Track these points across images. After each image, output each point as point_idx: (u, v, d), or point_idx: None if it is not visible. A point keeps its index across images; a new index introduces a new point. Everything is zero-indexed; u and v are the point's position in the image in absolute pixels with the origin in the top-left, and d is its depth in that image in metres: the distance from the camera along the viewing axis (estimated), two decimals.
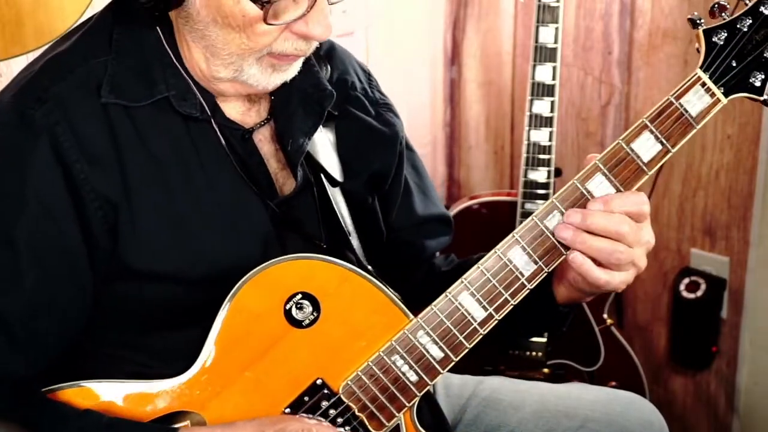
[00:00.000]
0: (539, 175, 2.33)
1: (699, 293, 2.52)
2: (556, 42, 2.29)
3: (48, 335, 1.27)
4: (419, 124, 2.74)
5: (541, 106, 2.32)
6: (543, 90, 2.31)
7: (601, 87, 2.61)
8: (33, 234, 1.23)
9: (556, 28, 2.29)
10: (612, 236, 1.25)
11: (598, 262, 1.27)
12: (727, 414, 2.58)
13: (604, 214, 1.25)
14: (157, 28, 1.29)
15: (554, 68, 2.30)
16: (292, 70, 1.30)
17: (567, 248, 1.27)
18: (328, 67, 1.44)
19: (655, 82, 2.50)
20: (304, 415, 1.28)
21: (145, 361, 1.30)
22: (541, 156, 2.32)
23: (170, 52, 1.29)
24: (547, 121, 2.32)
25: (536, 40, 2.30)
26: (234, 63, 1.26)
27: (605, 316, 2.45)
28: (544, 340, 2.41)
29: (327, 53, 1.47)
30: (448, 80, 2.78)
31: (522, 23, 2.70)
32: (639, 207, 1.27)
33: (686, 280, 2.54)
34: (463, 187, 2.87)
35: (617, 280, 1.29)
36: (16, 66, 1.71)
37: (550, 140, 2.32)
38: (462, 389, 1.61)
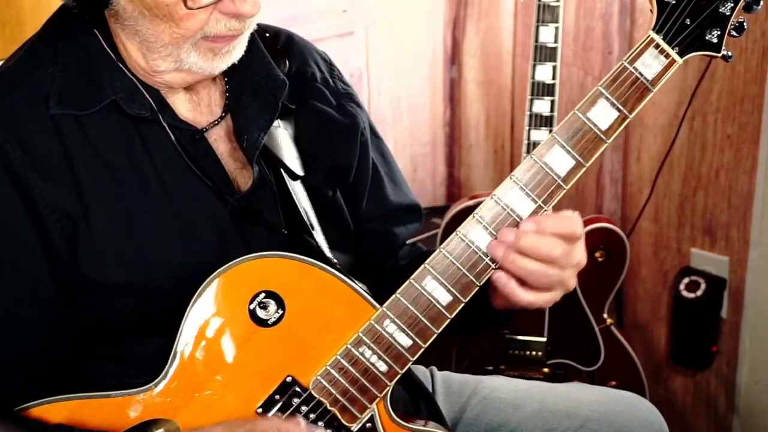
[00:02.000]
0: None
1: (699, 293, 2.51)
2: (556, 41, 2.29)
3: (15, 353, 1.25)
4: (419, 123, 2.74)
5: (541, 106, 2.31)
6: (543, 89, 2.30)
7: None
8: None
9: (556, 28, 2.28)
10: (544, 259, 1.23)
11: (524, 282, 1.24)
12: (727, 413, 2.57)
13: (536, 236, 1.22)
14: (95, 32, 1.28)
15: (554, 68, 2.29)
16: (237, 52, 1.28)
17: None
18: (287, 61, 1.42)
19: None
20: (279, 414, 1.26)
21: (121, 372, 1.28)
22: None
23: (112, 54, 1.28)
24: (547, 121, 2.31)
25: (536, 40, 2.29)
26: (171, 54, 1.24)
27: (605, 315, 2.44)
28: (544, 339, 2.41)
29: (284, 46, 1.45)
30: (448, 79, 2.78)
31: (522, 23, 2.70)
32: (572, 229, 1.24)
33: (686, 280, 2.53)
34: (463, 187, 2.87)
35: (543, 299, 1.27)
36: None
37: None
38: (462, 388, 1.61)
